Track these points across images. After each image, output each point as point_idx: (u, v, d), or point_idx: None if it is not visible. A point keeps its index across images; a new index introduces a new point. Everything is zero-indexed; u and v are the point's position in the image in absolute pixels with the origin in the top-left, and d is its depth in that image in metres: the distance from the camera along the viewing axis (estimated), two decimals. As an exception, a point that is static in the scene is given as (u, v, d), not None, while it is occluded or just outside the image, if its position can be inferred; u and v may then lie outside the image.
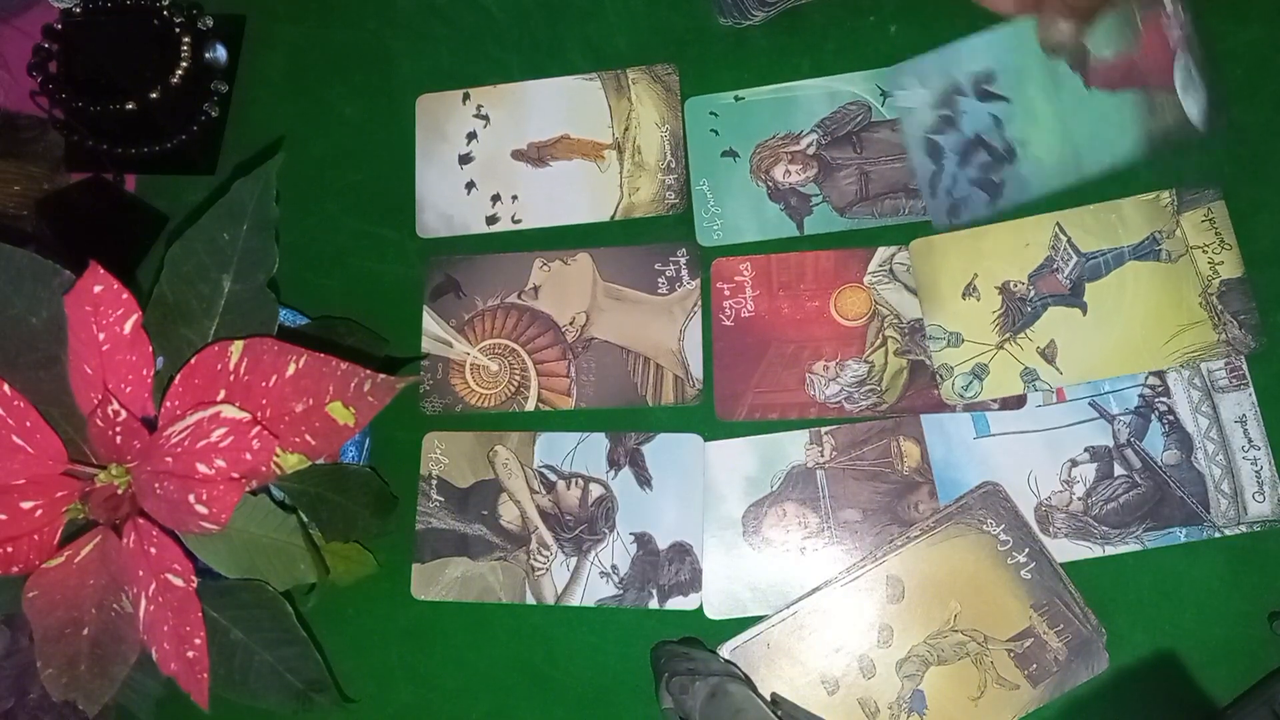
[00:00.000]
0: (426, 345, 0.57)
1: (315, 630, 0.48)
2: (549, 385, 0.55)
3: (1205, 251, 0.51)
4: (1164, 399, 0.50)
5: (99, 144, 0.61)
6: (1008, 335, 0.52)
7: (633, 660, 0.51)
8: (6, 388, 0.43)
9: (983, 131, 0.51)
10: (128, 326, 0.43)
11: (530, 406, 0.55)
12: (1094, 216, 0.52)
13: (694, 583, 0.52)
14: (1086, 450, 0.50)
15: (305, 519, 0.46)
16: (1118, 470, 0.50)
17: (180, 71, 0.60)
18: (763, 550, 0.52)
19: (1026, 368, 0.51)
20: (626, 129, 0.58)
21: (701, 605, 0.52)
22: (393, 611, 0.54)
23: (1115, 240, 0.52)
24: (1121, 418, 0.50)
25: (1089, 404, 0.51)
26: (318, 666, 0.45)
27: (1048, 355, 0.51)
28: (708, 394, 0.54)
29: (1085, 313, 0.52)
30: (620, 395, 0.54)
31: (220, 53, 0.63)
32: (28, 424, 0.43)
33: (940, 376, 0.52)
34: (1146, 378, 0.51)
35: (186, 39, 0.61)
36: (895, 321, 0.53)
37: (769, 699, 0.49)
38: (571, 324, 0.56)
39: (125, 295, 0.43)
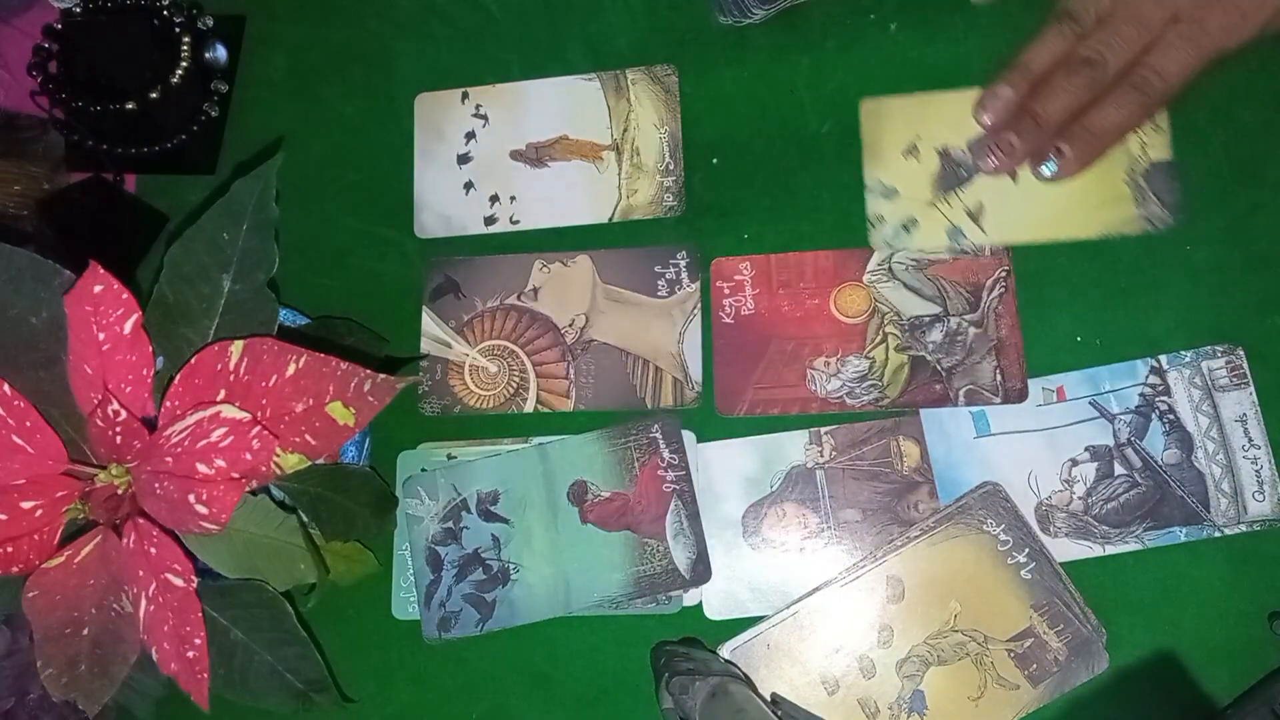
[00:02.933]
0: (426, 346, 0.57)
1: (315, 630, 0.48)
2: (548, 387, 0.55)
3: (1137, 133, 0.53)
4: (1164, 398, 0.50)
5: (99, 144, 0.61)
6: (940, 194, 0.54)
7: (633, 660, 0.51)
8: (6, 388, 0.43)
9: (482, 549, 0.53)
10: (128, 326, 0.43)
11: (529, 408, 0.55)
12: None
13: (694, 582, 0.52)
14: (1087, 449, 0.50)
15: (305, 519, 0.46)
16: (1118, 470, 0.50)
17: (180, 71, 0.60)
18: (763, 550, 0.52)
19: (953, 225, 0.54)
20: (625, 130, 0.58)
21: (701, 605, 0.52)
22: (392, 611, 0.54)
23: None
24: (1122, 417, 0.50)
25: (1089, 403, 0.51)
26: (318, 666, 0.45)
27: (975, 216, 0.53)
28: (706, 396, 0.54)
29: (1015, 179, 0.53)
30: (619, 397, 0.54)
31: (220, 53, 0.63)
32: (28, 424, 0.43)
33: (872, 225, 0.54)
34: (1147, 376, 0.51)
35: (186, 39, 0.61)
36: (895, 319, 0.53)
37: (769, 699, 0.49)
38: (571, 326, 0.56)
39: (125, 295, 0.43)
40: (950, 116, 0.55)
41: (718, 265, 0.55)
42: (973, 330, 0.53)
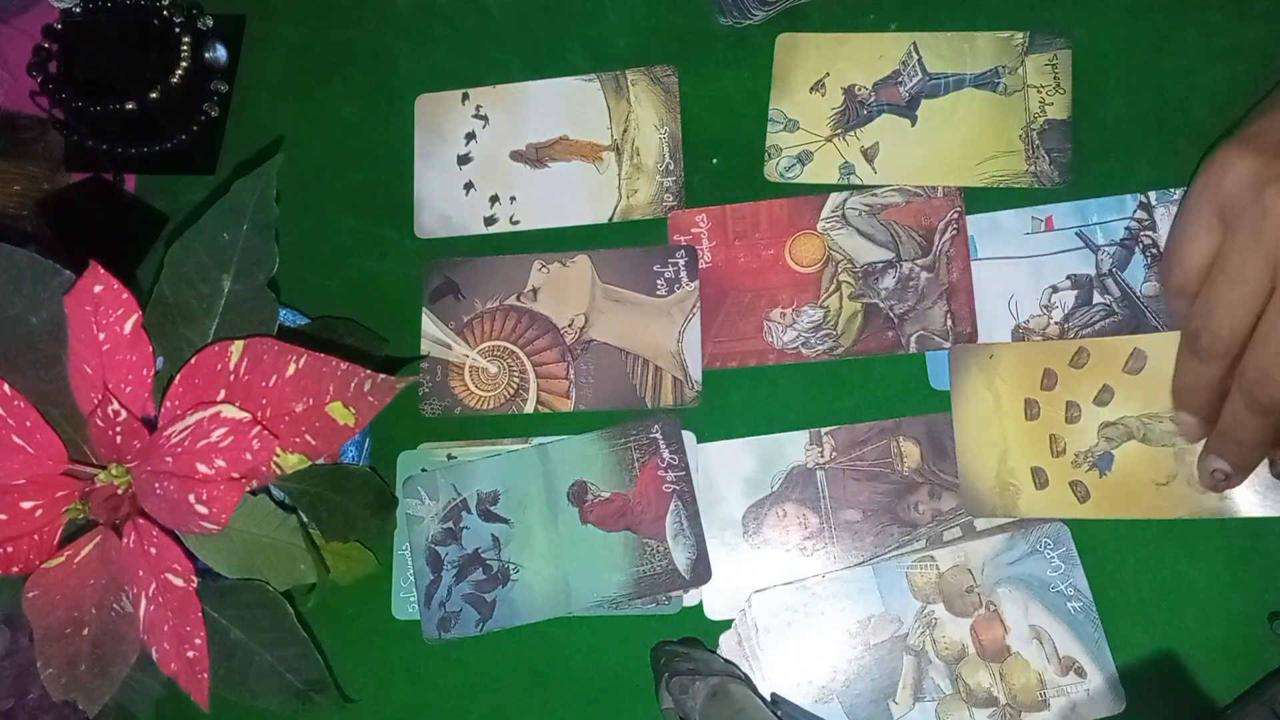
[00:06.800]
0: (426, 347, 0.57)
1: (315, 630, 0.48)
2: (548, 387, 0.55)
3: (1040, 91, 0.54)
4: (1149, 232, 0.52)
5: (99, 144, 0.61)
6: (839, 131, 0.56)
7: (633, 660, 0.51)
8: (6, 388, 0.43)
9: (482, 549, 0.53)
10: (128, 326, 0.43)
11: (529, 409, 0.55)
12: (948, 42, 0.56)
13: (694, 583, 0.52)
14: (1068, 277, 0.52)
15: (305, 519, 0.46)
16: (1097, 298, 0.51)
17: (180, 71, 0.60)
18: (763, 550, 0.52)
19: (846, 162, 0.55)
20: (625, 130, 0.58)
21: (701, 605, 0.52)
22: (392, 611, 0.54)
23: (961, 66, 0.55)
24: (1106, 248, 0.52)
25: (1075, 234, 0.53)
26: (318, 666, 0.45)
27: (869, 155, 0.55)
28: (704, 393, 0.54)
29: (914, 124, 0.55)
30: (619, 397, 0.54)
31: (220, 53, 0.63)
32: (28, 424, 0.43)
33: (769, 155, 0.56)
34: (1135, 211, 0.52)
35: (186, 39, 0.61)
36: (849, 266, 0.54)
37: (769, 699, 0.49)
38: (570, 326, 0.56)
39: (125, 295, 0.43)
40: (862, 56, 0.56)
41: (675, 219, 0.56)
42: (924, 275, 0.53)
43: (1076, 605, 0.48)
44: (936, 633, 0.49)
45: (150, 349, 0.43)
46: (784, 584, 0.51)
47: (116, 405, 0.42)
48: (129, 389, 0.43)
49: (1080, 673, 0.48)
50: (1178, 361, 0.48)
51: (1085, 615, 0.48)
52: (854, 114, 0.56)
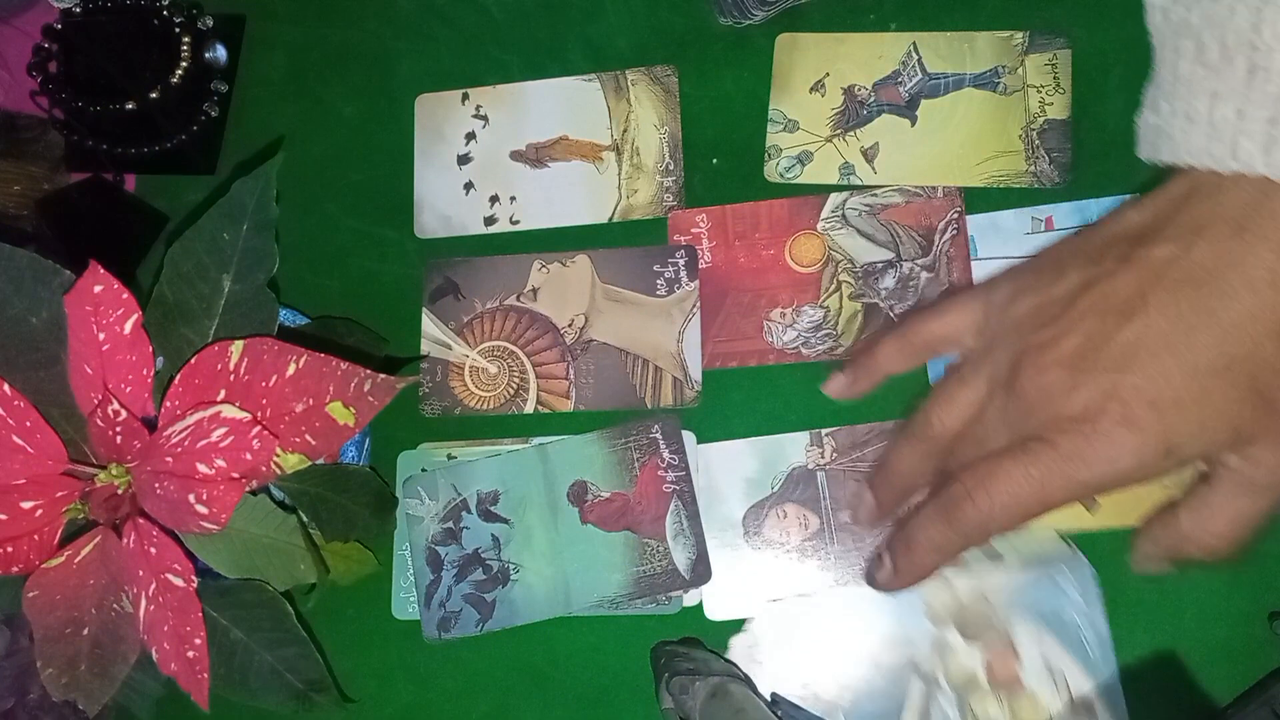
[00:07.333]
0: (425, 348, 0.57)
1: (315, 630, 0.48)
2: (548, 388, 0.55)
3: (1040, 91, 0.54)
4: None
5: (99, 144, 0.61)
6: (839, 131, 0.56)
7: (633, 660, 0.51)
8: (6, 388, 0.43)
9: (482, 549, 0.53)
10: (128, 326, 0.43)
11: (529, 409, 0.55)
12: (948, 42, 0.56)
13: (694, 583, 0.52)
14: None
15: (305, 519, 0.46)
16: None
17: (180, 71, 0.60)
18: (763, 551, 0.52)
19: (846, 162, 0.55)
20: (625, 130, 0.58)
21: (701, 605, 0.52)
22: (392, 611, 0.54)
23: (961, 66, 0.55)
24: None
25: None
26: (318, 666, 0.45)
27: (869, 155, 0.55)
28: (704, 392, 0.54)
29: (914, 124, 0.55)
30: (619, 397, 0.54)
31: (220, 53, 0.63)
32: (28, 424, 0.43)
33: (769, 155, 0.56)
34: None
35: (186, 39, 0.61)
36: (849, 266, 0.54)
37: (769, 699, 0.49)
38: (570, 326, 0.56)
39: (125, 295, 0.43)
40: (861, 56, 0.56)
41: (675, 219, 0.56)
42: (924, 275, 0.53)
43: (1094, 645, 0.48)
44: (948, 658, 0.49)
45: (150, 349, 0.44)
46: (797, 595, 0.50)
47: (116, 405, 0.43)
48: (129, 389, 0.43)
49: (1090, 713, 0.47)
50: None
51: (1101, 656, 0.47)
52: (854, 114, 0.56)
